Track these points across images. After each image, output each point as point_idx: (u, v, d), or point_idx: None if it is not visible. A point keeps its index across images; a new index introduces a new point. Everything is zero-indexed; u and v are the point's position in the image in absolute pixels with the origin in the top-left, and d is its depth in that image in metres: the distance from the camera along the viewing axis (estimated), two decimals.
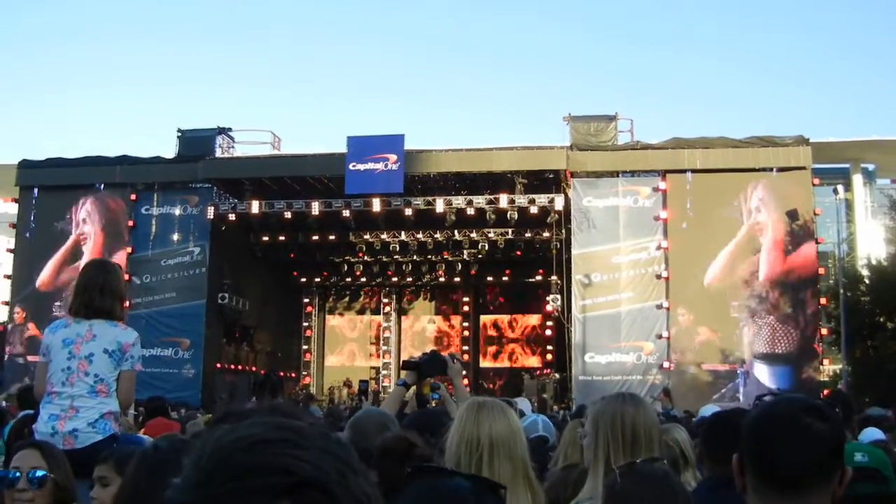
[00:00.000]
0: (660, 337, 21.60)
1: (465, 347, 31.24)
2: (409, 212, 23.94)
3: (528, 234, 25.21)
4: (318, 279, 31.46)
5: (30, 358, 22.01)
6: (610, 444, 2.52)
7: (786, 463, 1.69)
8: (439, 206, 23.63)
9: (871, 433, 5.72)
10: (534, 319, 31.50)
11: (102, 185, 24.66)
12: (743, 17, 77.21)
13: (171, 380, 22.50)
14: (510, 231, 25.12)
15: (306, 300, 32.49)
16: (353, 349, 33.09)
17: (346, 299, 33.40)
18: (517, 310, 32.18)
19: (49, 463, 2.82)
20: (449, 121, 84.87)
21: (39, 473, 2.78)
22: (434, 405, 5.76)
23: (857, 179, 30.27)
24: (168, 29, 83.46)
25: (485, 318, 32.79)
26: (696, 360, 21.46)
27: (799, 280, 21.34)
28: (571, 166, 22.54)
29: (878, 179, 32.14)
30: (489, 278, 30.43)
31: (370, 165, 23.02)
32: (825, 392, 18.16)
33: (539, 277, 27.60)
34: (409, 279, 30.23)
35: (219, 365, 24.99)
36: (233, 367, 26.25)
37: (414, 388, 4.82)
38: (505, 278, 30.08)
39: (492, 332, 32.72)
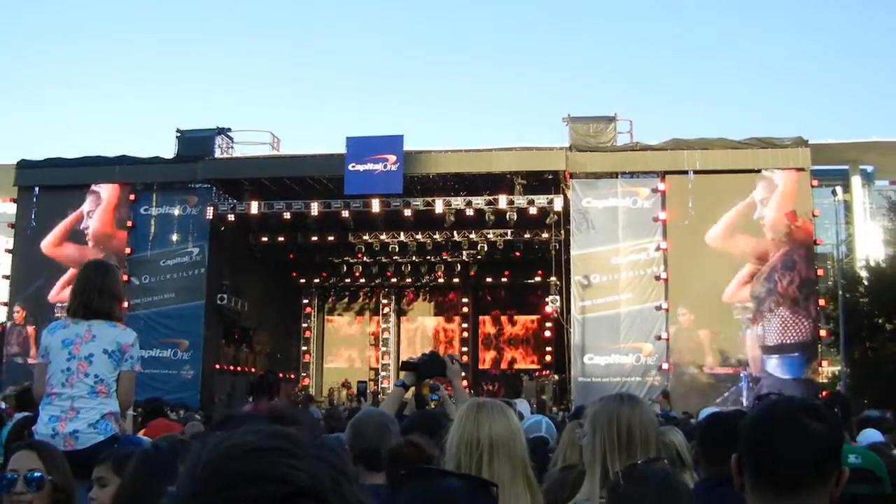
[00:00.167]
0: (659, 338, 21.60)
1: (465, 348, 31.24)
2: (408, 212, 23.95)
3: (527, 235, 25.21)
4: (317, 280, 31.46)
5: (30, 360, 21.99)
6: (606, 445, 2.53)
7: (784, 463, 1.69)
8: (438, 206, 23.63)
9: (870, 434, 5.73)
10: (533, 320, 31.51)
11: (102, 185, 24.66)
12: (742, 18, 77.36)
13: (169, 381, 22.48)
14: (509, 232, 25.13)
15: (305, 301, 32.48)
16: (353, 350, 33.08)
17: (346, 300, 33.39)
18: (516, 311, 32.17)
19: (46, 464, 2.79)
20: (448, 121, 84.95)
21: (37, 475, 2.75)
22: (434, 406, 5.77)
23: (856, 181, 30.25)
24: (167, 29, 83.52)
25: (484, 319, 32.79)
26: (695, 362, 21.46)
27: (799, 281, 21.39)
28: (570, 167, 22.55)
29: (877, 181, 32.13)
30: (488, 279, 30.44)
31: (369, 166, 23.03)
32: (824, 393, 18.21)
33: (538, 278, 27.61)
34: (409, 280, 30.23)
35: (218, 366, 24.96)
36: (232, 368, 26.23)
37: (413, 389, 4.82)
38: (504, 279, 30.10)
39: (491, 333, 32.71)
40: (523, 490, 2.44)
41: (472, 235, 25.68)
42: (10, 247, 25.35)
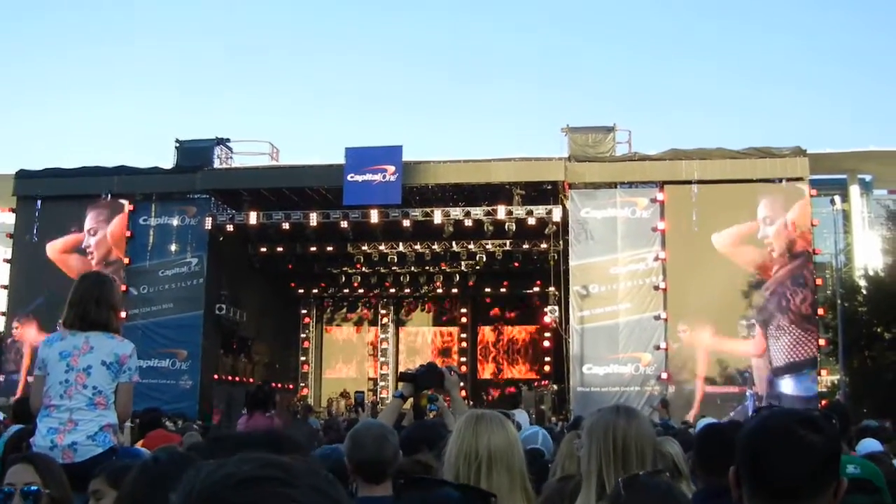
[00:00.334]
0: (657, 348, 21.56)
1: (463, 359, 31.20)
2: (406, 223, 23.93)
3: (525, 246, 25.19)
4: (315, 290, 31.43)
5: (29, 378, 21.87)
6: (602, 456, 2.52)
7: (780, 475, 1.69)
8: (437, 217, 23.63)
9: (869, 444, 5.73)
10: (531, 331, 31.47)
11: (102, 196, 24.64)
12: (740, 26, 77.56)
13: (168, 391, 22.44)
14: (508, 242, 25.11)
15: (304, 311, 32.44)
16: (351, 360, 33.01)
17: (344, 310, 33.33)
18: (515, 321, 32.14)
19: (44, 478, 2.77)
20: (447, 132, 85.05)
21: (34, 489, 2.73)
22: (432, 417, 5.76)
23: (855, 190, 30.32)
24: (167, 39, 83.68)
25: (482, 330, 32.75)
26: (696, 375, 21.33)
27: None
28: (569, 177, 22.58)
29: (875, 190, 32.20)
30: (487, 289, 30.40)
31: (368, 177, 23.04)
32: (823, 403, 18.19)
33: (537, 289, 27.59)
34: (407, 290, 30.20)
35: (216, 376, 24.87)
36: (230, 378, 26.15)
37: (411, 399, 4.81)
38: (503, 289, 30.06)
39: (490, 344, 32.67)
40: (521, 501, 2.45)
41: (471, 246, 25.67)
42: (9, 256, 25.30)
